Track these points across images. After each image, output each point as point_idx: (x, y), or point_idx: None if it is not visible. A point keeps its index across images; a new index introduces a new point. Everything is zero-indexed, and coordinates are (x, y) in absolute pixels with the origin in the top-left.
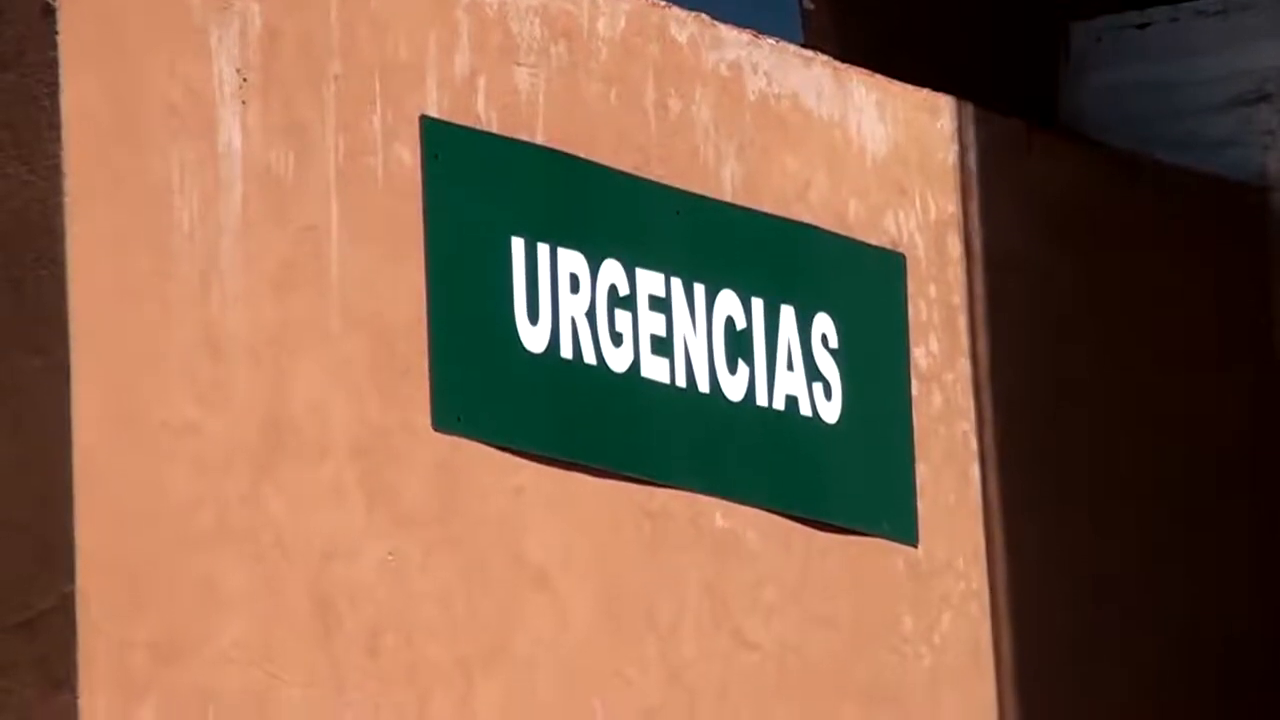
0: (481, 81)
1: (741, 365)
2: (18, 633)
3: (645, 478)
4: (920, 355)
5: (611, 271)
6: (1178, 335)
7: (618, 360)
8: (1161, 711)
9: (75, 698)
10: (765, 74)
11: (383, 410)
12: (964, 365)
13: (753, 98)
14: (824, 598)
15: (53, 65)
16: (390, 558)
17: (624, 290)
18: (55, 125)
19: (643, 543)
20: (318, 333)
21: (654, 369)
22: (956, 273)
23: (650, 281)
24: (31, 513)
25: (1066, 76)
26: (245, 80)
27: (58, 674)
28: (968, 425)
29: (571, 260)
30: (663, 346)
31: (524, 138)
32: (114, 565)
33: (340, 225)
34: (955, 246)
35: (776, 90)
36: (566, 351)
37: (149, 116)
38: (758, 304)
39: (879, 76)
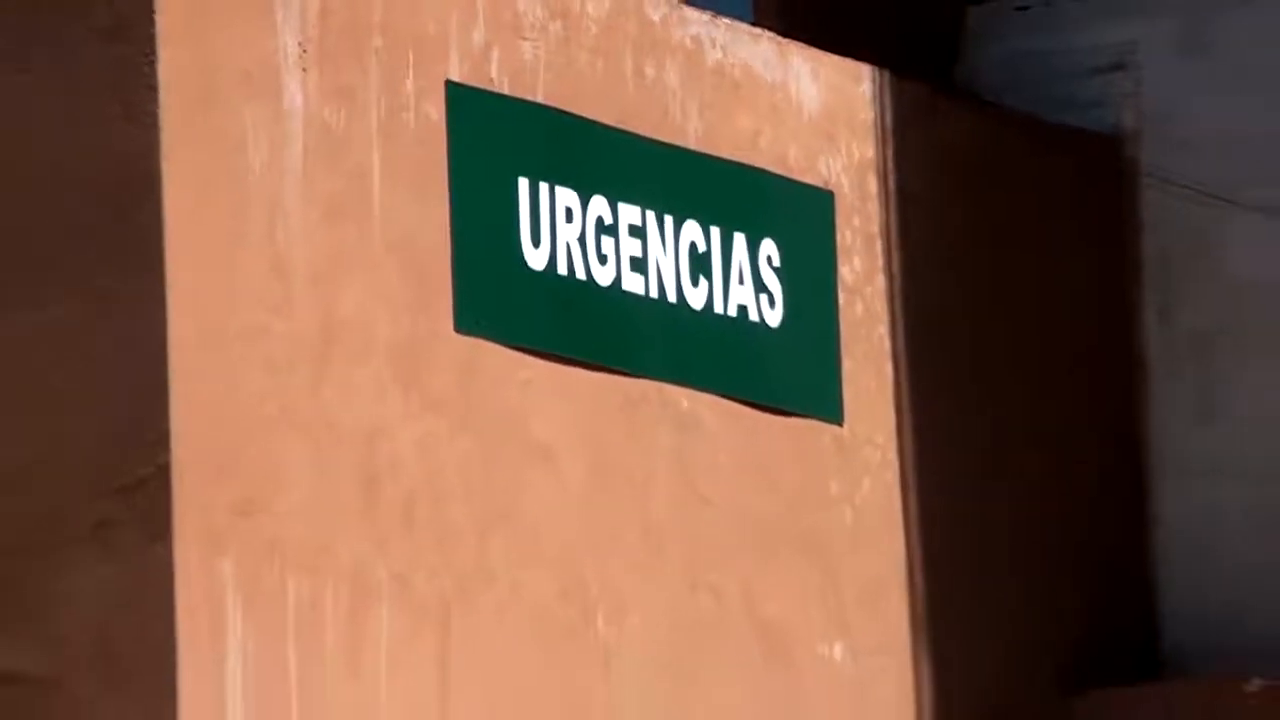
0: (494, 52)
1: (702, 280)
2: (123, 495)
3: (626, 370)
4: (846, 272)
5: (598, 205)
6: (1049, 261)
7: (603, 276)
8: (1039, 562)
9: (170, 548)
10: (721, 47)
11: (414, 318)
12: (880, 281)
13: (711, 66)
14: (768, 467)
15: (152, 39)
16: (422, 438)
17: (608, 220)
18: (154, 88)
19: (624, 422)
20: (362, 256)
21: (632, 283)
22: (874, 207)
23: (630, 213)
24: (135, 401)
25: (965, 48)
26: (305, 51)
27: (156, 529)
28: (884, 329)
29: (566, 196)
30: (639, 265)
31: (528, 98)
32: (200, 443)
33: (381, 169)
34: (874, 186)
35: (730, 60)
36: (563, 269)
37: (228, 81)
38: (715, 231)
39: (813, 49)
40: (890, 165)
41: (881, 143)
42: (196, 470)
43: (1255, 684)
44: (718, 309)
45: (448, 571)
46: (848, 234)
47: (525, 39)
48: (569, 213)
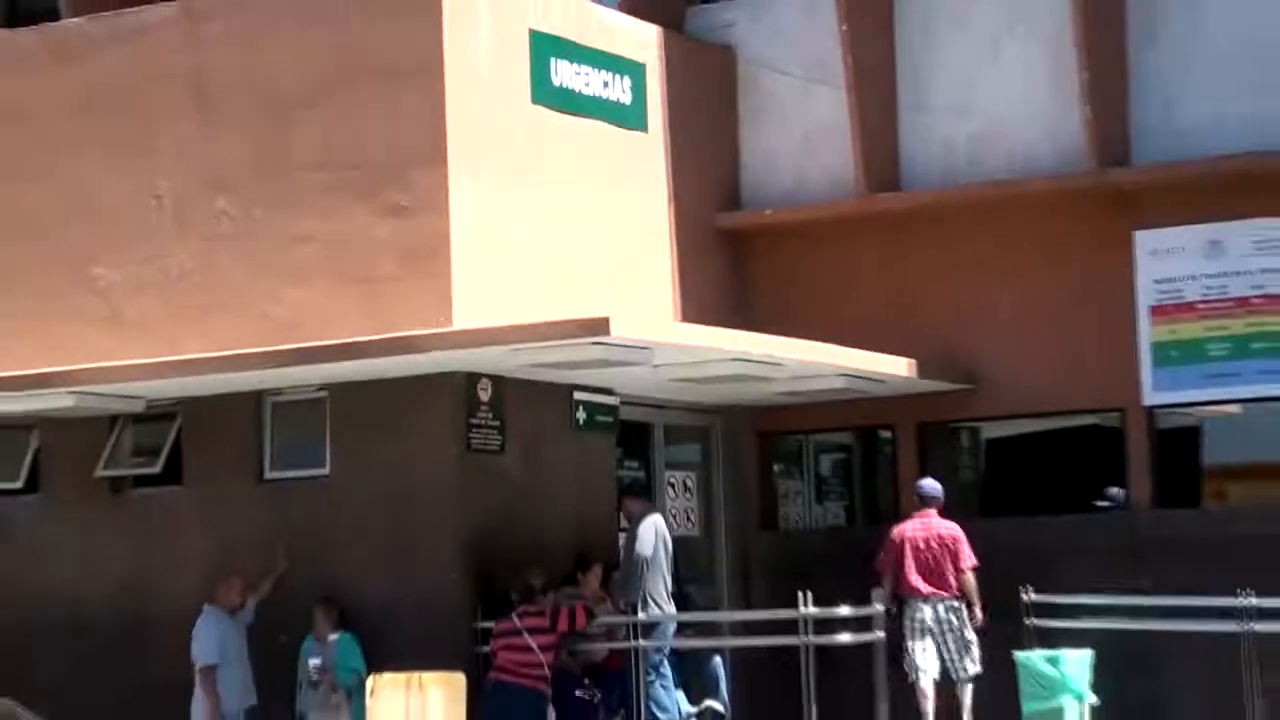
0: (543, 17)
1: (607, 96)
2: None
3: (588, 115)
4: (649, 89)
5: (572, 66)
6: (704, 95)
7: (576, 87)
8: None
9: (445, 173)
10: (601, 15)
11: (518, 102)
12: (659, 91)
13: (604, 23)
14: (627, 143)
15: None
16: (523, 140)
17: (574, 73)
18: (440, 25)
19: (583, 137)
20: (503, 80)
21: (584, 91)
22: (657, 68)
23: (581, 69)
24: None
25: (691, 17)
26: (487, 15)
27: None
28: (659, 105)
29: (564, 64)
30: (586, 85)
31: (553, 33)
32: (459, 133)
33: (512, 54)
34: (658, 63)
35: (609, 20)
36: (566, 86)
37: (464, 20)
38: (614, 75)
39: (638, 19)
40: (664, 58)
41: (661, 52)
42: (457, 140)
43: (768, 212)
44: (611, 101)
45: (510, 165)
46: (650, 77)
47: (552, 14)
48: (565, 71)
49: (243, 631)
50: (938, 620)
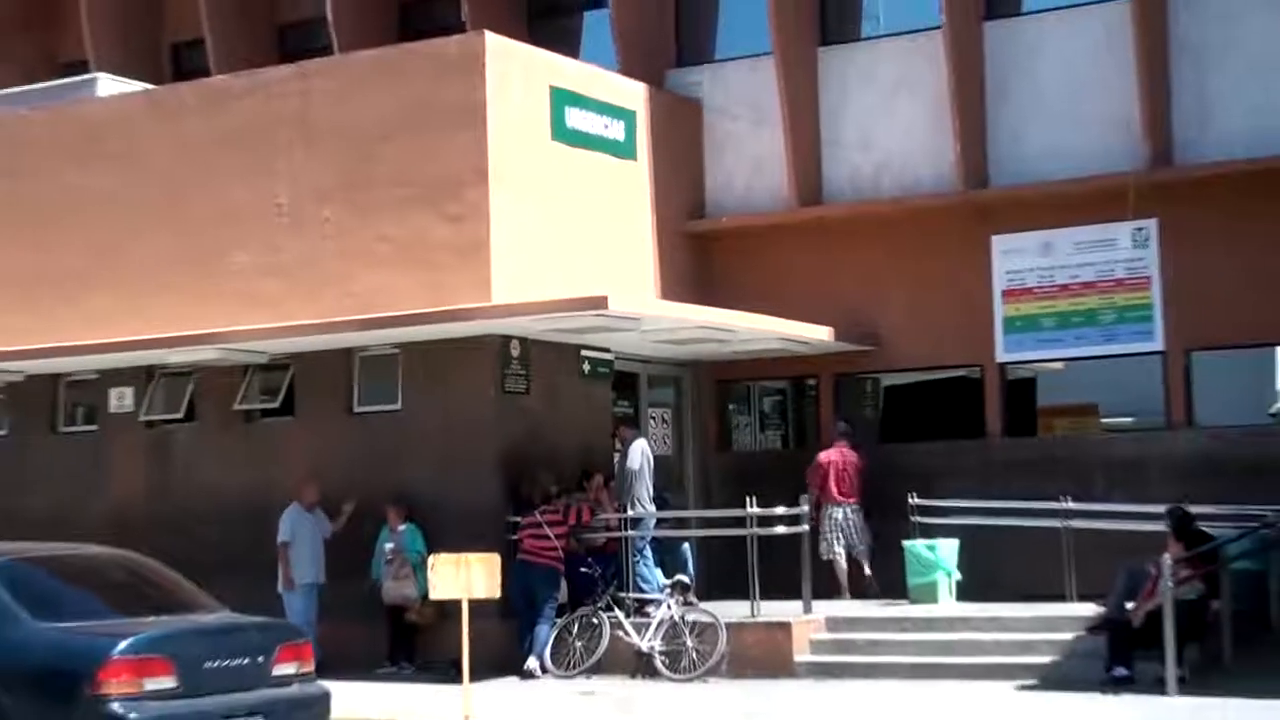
0: (560, 78)
1: (609, 131)
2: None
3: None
4: (639, 123)
5: (581, 112)
6: (672, 128)
7: (579, 125)
8: None
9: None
10: (611, 79)
11: (540, 132)
12: (645, 123)
13: (613, 84)
14: (614, 169)
15: (483, 75)
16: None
17: (583, 116)
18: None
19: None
20: (533, 122)
21: (581, 129)
22: (643, 115)
23: (587, 113)
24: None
25: (669, 77)
26: (522, 79)
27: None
28: (645, 138)
29: (574, 110)
30: (587, 124)
31: (569, 89)
32: (500, 164)
33: (539, 103)
34: (645, 110)
35: (615, 82)
36: (576, 128)
37: (501, 85)
38: (607, 119)
39: (630, 79)
40: (649, 107)
41: (647, 103)
42: (496, 167)
43: (725, 219)
44: (609, 138)
45: (535, 185)
46: (638, 121)
47: (568, 75)
48: (576, 116)
49: (316, 523)
50: (845, 518)
